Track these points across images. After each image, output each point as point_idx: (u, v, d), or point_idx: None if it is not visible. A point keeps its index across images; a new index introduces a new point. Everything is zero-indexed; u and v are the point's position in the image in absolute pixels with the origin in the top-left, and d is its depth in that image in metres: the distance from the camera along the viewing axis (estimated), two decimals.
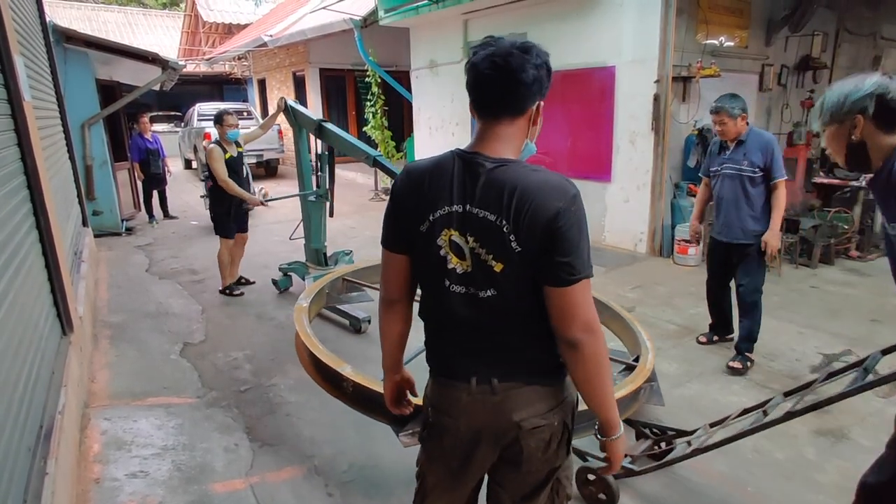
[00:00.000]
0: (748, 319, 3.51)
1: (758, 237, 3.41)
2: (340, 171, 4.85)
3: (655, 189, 5.88)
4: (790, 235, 5.43)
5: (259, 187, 5.71)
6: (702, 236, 4.20)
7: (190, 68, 16.65)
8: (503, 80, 1.19)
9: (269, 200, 5.15)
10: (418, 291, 1.42)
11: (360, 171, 11.57)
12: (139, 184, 8.63)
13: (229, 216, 4.95)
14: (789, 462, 2.60)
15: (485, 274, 1.22)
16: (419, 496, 1.50)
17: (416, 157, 8.97)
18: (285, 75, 14.48)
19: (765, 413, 2.13)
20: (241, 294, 5.09)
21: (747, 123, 3.44)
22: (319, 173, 4.80)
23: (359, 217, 8.27)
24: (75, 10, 19.88)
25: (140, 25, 21.13)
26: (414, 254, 1.33)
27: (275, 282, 5.19)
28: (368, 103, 10.31)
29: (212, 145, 4.77)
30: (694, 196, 5.12)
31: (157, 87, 8.90)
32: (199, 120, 12.52)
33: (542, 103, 1.26)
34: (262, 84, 16.31)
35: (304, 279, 4.80)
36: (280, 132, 12.46)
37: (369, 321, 4.15)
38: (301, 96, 13.37)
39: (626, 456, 2.40)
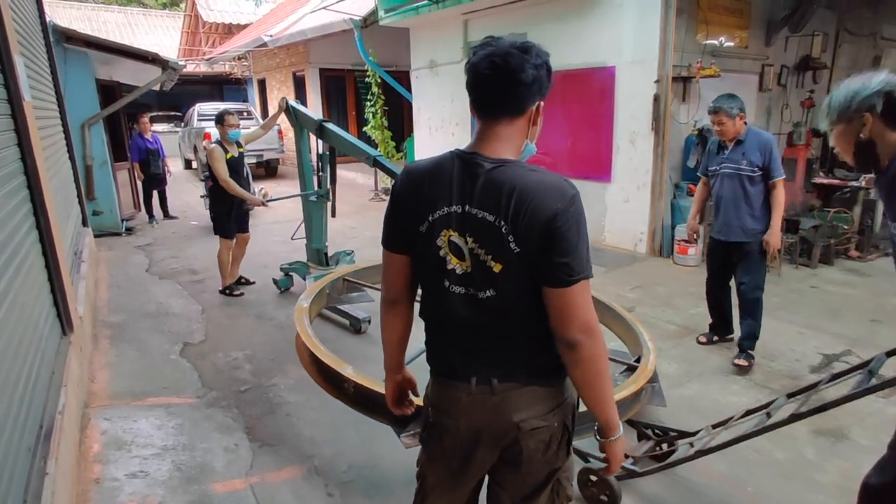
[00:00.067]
0: (750, 318, 3.52)
1: (757, 236, 3.43)
2: (341, 172, 4.85)
3: (655, 189, 5.88)
4: (790, 235, 5.43)
5: (259, 187, 5.71)
6: (700, 236, 4.20)
7: (190, 68, 16.65)
8: (502, 80, 1.19)
9: (270, 200, 5.16)
10: (419, 291, 1.42)
11: (361, 172, 11.57)
12: (139, 184, 8.63)
13: (229, 216, 4.96)
14: (789, 462, 2.60)
15: (484, 274, 1.22)
16: (419, 496, 1.50)
17: (416, 158, 8.97)
18: (285, 75, 14.48)
19: (768, 415, 2.12)
20: (241, 294, 5.09)
21: (745, 123, 3.45)
22: (320, 173, 4.81)
23: (359, 217, 8.27)
24: (75, 10, 19.88)
25: (140, 25, 21.13)
26: (414, 254, 1.33)
27: (275, 281, 5.19)
28: (368, 103, 10.32)
29: (213, 145, 4.78)
30: (693, 196, 5.12)
31: (157, 87, 8.90)
32: (199, 120, 12.53)
33: (542, 103, 1.26)
34: (262, 84, 16.31)
35: (304, 279, 4.80)
36: (280, 132, 12.46)
37: (369, 321, 4.15)
38: (301, 96, 13.37)
39: (627, 457, 2.40)
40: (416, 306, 1.44)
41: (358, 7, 9.69)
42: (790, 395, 2.19)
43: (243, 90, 19.23)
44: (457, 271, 1.26)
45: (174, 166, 12.42)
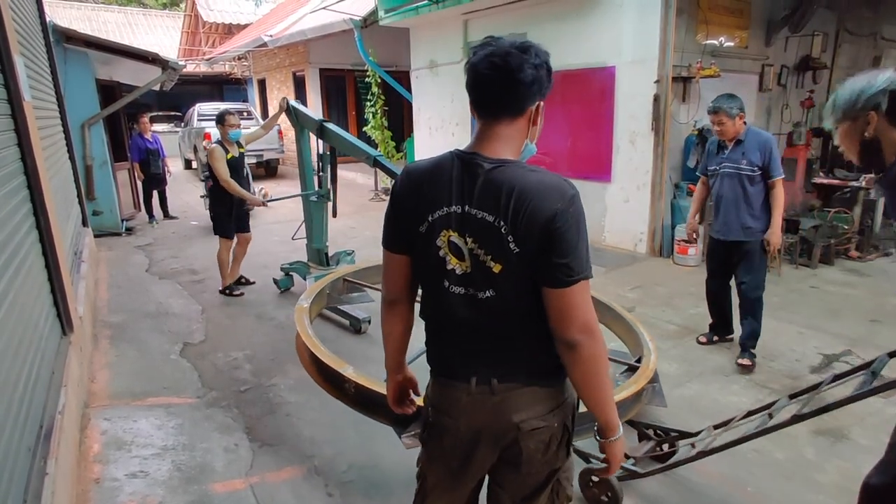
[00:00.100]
0: (751, 317, 3.54)
1: (757, 235, 3.45)
2: (341, 172, 4.85)
3: (655, 189, 5.88)
4: (790, 236, 5.43)
5: (259, 187, 5.72)
6: (700, 235, 4.21)
7: (190, 68, 16.65)
8: (501, 80, 1.19)
9: (271, 200, 5.16)
10: (420, 292, 1.42)
11: (361, 172, 11.58)
12: (139, 184, 8.63)
13: (229, 216, 4.96)
14: (789, 462, 2.60)
15: (484, 275, 1.22)
16: (419, 496, 1.50)
17: (416, 158, 8.98)
18: (285, 75, 14.48)
19: (770, 416, 2.12)
20: (241, 294, 5.09)
21: (745, 123, 3.46)
22: (321, 173, 4.81)
23: (359, 217, 8.27)
24: (75, 10, 19.88)
25: (140, 25, 21.13)
26: (414, 254, 1.33)
27: (276, 281, 5.19)
28: (368, 103, 10.32)
29: (213, 145, 4.78)
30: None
31: (157, 87, 8.90)
32: (199, 120, 12.53)
33: (542, 103, 1.26)
34: (262, 84, 16.31)
35: (305, 279, 4.81)
36: (280, 132, 12.46)
37: (369, 321, 4.15)
38: (301, 96, 13.37)
39: (629, 458, 2.40)
40: (417, 306, 1.44)
41: (358, 7, 9.69)
42: (792, 396, 2.18)
43: (243, 90, 19.23)
44: (456, 272, 1.26)
45: (174, 166, 12.42)
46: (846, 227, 5.82)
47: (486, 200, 1.19)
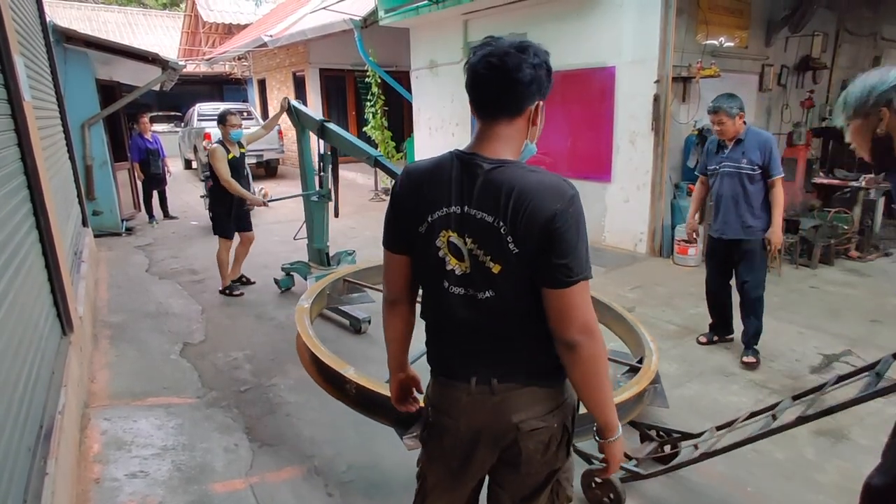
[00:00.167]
0: (753, 316, 3.58)
1: (757, 234, 3.47)
2: (341, 172, 4.85)
3: (655, 189, 5.88)
4: (790, 236, 5.43)
5: (259, 187, 5.72)
6: (700, 235, 4.21)
7: (190, 68, 16.65)
8: (499, 81, 1.19)
9: (272, 200, 5.16)
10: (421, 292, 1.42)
11: (361, 172, 11.58)
12: (139, 184, 8.63)
13: (229, 216, 4.96)
14: (789, 462, 2.60)
15: (483, 275, 1.22)
16: (419, 496, 1.50)
17: (416, 158, 8.98)
18: (285, 75, 14.48)
19: (774, 417, 2.11)
20: (241, 294, 5.09)
21: (745, 122, 3.47)
22: (322, 173, 4.82)
23: (359, 217, 8.27)
24: (75, 10, 19.88)
25: (140, 25, 21.13)
26: (414, 255, 1.33)
27: (276, 281, 5.19)
28: (368, 103, 10.32)
29: (215, 145, 4.78)
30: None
31: (157, 88, 8.89)
32: (199, 120, 12.53)
33: (541, 103, 1.25)
34: (262, 84, 16.31)
35: (306, 279, 4.81)
36: (280, 132, 12.47)
37: (369, 321, 4.15)
38: (301, 96, 13.37)
39: (631, 459, 2.40)
40: (419, 306, 1.44)
41: (358, 7, 9.69)
42: (796, 397, 2.17)
43: (243, 90, 19.23)
44: (456, 272, 1.26)
45: (174, 166, 12.42)
46: (846, 227, 5.82)
47: (486, 201, 1.19)
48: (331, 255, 5.08)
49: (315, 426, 2.94)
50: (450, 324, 1.32)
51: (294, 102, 4.87)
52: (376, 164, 4.19)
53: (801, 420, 1.90)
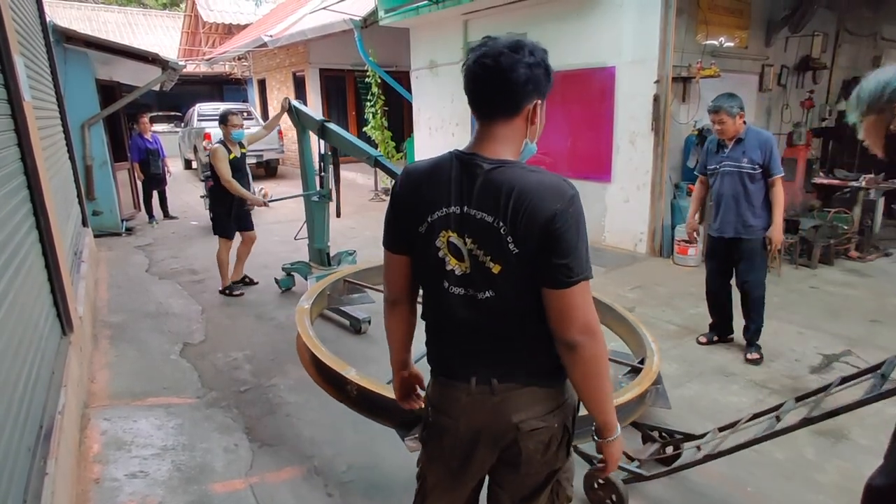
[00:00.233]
0: (755, 313, 3.62)
1: (757, 233, 3.50)
2: (341, 172, 4.86)
3: (655, 189, 5.88)
4: (790, 236, 5.43)
5: (259, 187, 5.72)
6: (700, 235, 4.22)
7: (190, 68, 16.65)
8: (495, 81, 1.19)
9: (272, 200, 5.17)
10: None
11: (361, 172, 11.58)
12: (139, 184, 8.63)
13: (229, 216, 4.96)
14: (789, 462, 2.60)
15: (483, 275, 1.22)
16: (419, 496, 1.50)
17: (416, 158, 8.98)
18: (285, 75, 14.48)
19: (777, 418, 2.10)
20: (241, 294, 5.09)
21: (745, 122, 3.48)
22: (322, 173, 4.82)
23: (359, 217, 8.27)
24: (75, 10, 19.88)
25: (140, 26, 21.13)
26: (414, 255, 1.33)
27: (277, 281, 5.20)
28: (368, 103, 10.32)
29: (216, 145, 4.79)
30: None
31: (157, 88, 8.90)
32: (199, 120, 12.53)
33: (540, 102, 1.25)
34: (262, 84, 16.31)
35: (307, 279, 4.81)
36: (280, 132, 12.46)
37: (369, 321, 4.15)
38: (301, 97, 13.37)
39: (634, 460, 2.39)
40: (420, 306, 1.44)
41: (358, 7, 9.68)
42: (799, 399, 2.16)
43: (243, 90, 19.23)
44: (456, 272, 1.26)
45: (174, 166, 12.42)
46: (846, 227, 5.83)
47: (486, 201, 1.19)
48: (331, 255, 5.08)
49: (315, 426, 2.94)
50: (450, 324, 1.32)
51: (295, 102, 4.88)
52: (376, 164, 4.19)
53: (806, 422, 1.88)
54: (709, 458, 2.14)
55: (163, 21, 22.24)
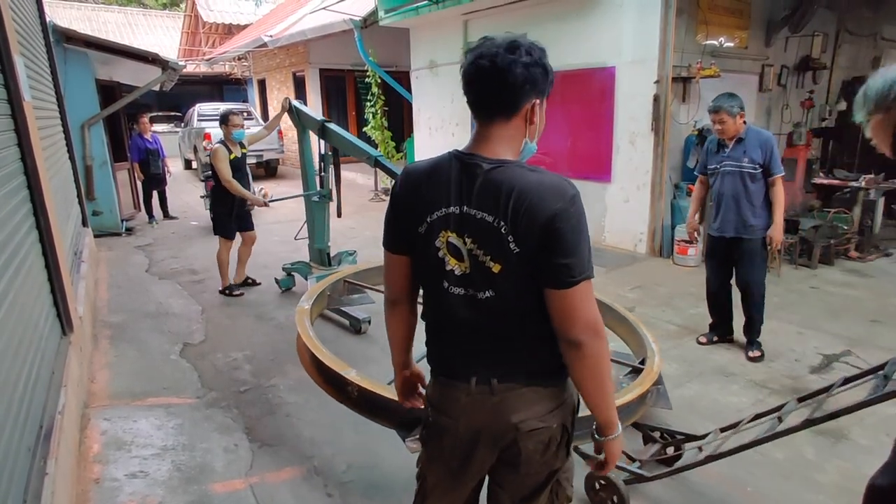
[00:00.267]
0: (755, 312, 3.64)
1: (757, 232, 3.51)
2: (342, 172, 4.86)
3: (655, 189, 5.88)
4: (790, 236, 5.42)
5: (259, 187, 5.72)
6: (700, 234, 4.23)
7: (190, 69, 16.65)
8: (492, 82, 1.19)
9: (273, 200, 5.17)
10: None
11: (361, 172, 11.58)
12: (139, 184, 8.63)
13: (230, 216, 4.97)
14: (789, 462, 2.60)
15: (483, 275, 1.22)
16: (419, 496, 1.50)
17: (417, 158, 8.98)
18: (285, 76, 14.48)
19: (779, 419, 2.10)
20: (241, 294, 5.09)
21: (745, 122, 3.48)
22: (323, 173, 4.82)
23: (359, 217, 8.27)
24: (75, 10, 19.88)
25: (140, 26, 21.13)
26: (414, 255, 1.33)
27: (277, 281, 5.20)
28: (368, 104, 10.32)
29: (217, 145, 4.79)
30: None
31: (157, 88, 8.90)
32: (199, 120, 12.53)
33: (538, 101, 1.24)
34: (262, 84, 16.31)
35: (307, 279, 4.81)
36: (280, 133, 12.46)
37: (369, 321, 4.15)
38: (301, 97, 13.36)
39: (635, 461, 2.39)
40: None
41: (358, 7, 9.68)
42: (801, 399, 2.15)
43: (243, 90, 19.23)
44: (455, 272, 1.26)
45: (174, 166, 12.42)
46: (846, 227, 5.83)
47: (486, 200, 1.19)
48: (332, 255, 5.08)
49: (315, 426, 2.94)
50: (450, 324, 1.32)
51: (295, 103, 4.88)
52: (376, 164, 4.19)
53: (809, 423, 1.87)
54: (710, 458, 2.14)
55: (163, 21, 22.24)
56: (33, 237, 2.85)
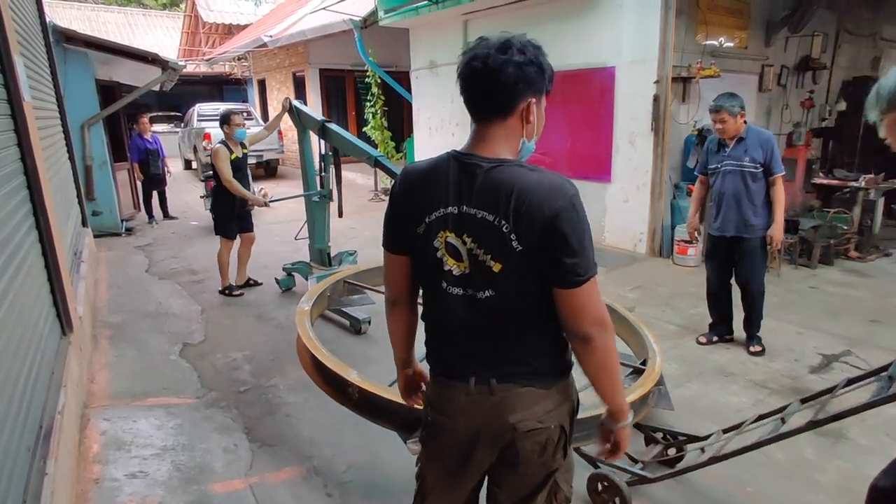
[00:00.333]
0: (755, 308, 3.68)
1: (758, 232, 3.52)
2: (342, 172, 4.87)
3: (655, 189, 5.88)
4: (790, 236, 5.42)
5: (259, 188, 5.72)
6: (701, 234, 4.24)
7: (190, 69, 16.64)
8: (485, 83, 1.19)
9: (273, 201, 5.17)
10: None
11: (361, 172, 11.58)
12: (139, 184, 8.63)
13: (231, 217, 4.97)
14: (789, 462, 2.60)
15: (483, 275, 1.23)
16: (419, 496, 1.50)
17: (416, 158, 8.98)
18: (285, 76, 14.48)
19: (782, 420, 2.10)
20: (241, 294, 5.09)
21: (745, 121, 3.48)
22: (323, 174, 4.82)
23: (359, 217, 8.27)
24: (75, 10, 19.88)
25: (140, 26, 21.13)
26: (413, 255, 1.33)
27: (278, 281, 5.20)
28: (368, 104, 10.32)
29: (218, 145, 4.79)
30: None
31: (156, 88, 8.89)
32: (198, 120, 12.52)
33: (534, 100, 1.23)
34: (262, 84, 16.31)
35: (307, 279, 4.81)
36: (280, 133, 12.46)
37: (369, 322, 4.15)
38: (301, 97, 13.36)
39: (637, 462, 2.39)
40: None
41: (358, 7, 9.69)
42: (804, 400, 2.15)
43: (243, 90, 19.23)
44: (454, 272, 1.26)
45: (174, 166, 12.41)
46: (846, 227, 5.83)
47: (486, 200, 1.19)
48: (332, 255, 5.08)
49: (314, 427, 2.94)
50: (449, 324, 1.32)
51: (295, 103, 4.89)
52: (376, 164, 4.19)
53: (813, 424, 1.87)
54: (714, 460, 2.13)
55: (163, 21, 22.24)
56: (33, 237, 2.85)
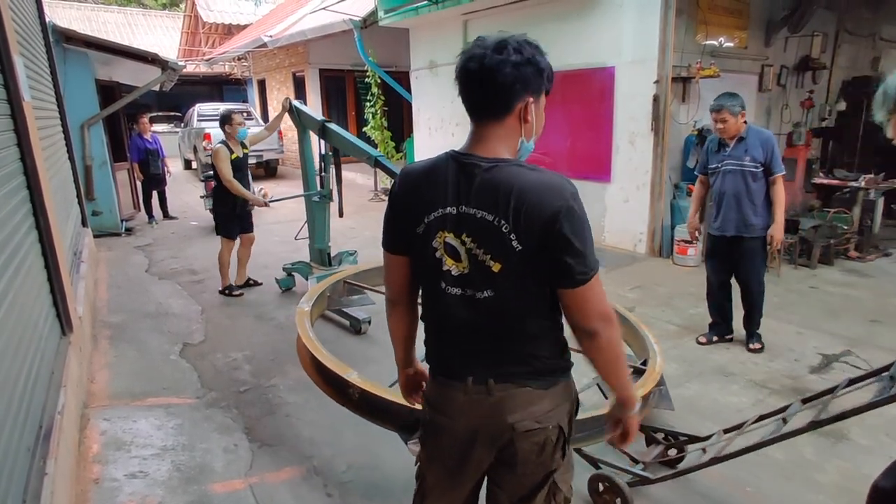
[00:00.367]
0: (755, 307, 3.70)
1: (758, 231, 3.53)
2: (342, 172, 4.87)
3: (655, 189, 5.88)
4: (790, 236, 5.42)
5: (259, 188, 5.72)
6: (701, 233, 4.24)
7: (190, 69, 16.64)
8: (482, 84, 1.20)
9: (273, 201, 5.17)
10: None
11: (360, 172, 11.58)
12: (139, 184, 8.63)
13: (232, 217, 4.96)
14: (789, 462, 2.60)
15: (482, 275, 1.23)
16: (419, 496, 1.50)
17: (416, 158, 8.98)
18: (285, 76, 14.48)
19: (784, 421, 2.09)
20: (241, 294, 5.09)
21: (745, 121, 3.49)
22: (323, 174, 4.82)
23: (359, 217, 8.27)
24: (75, 10, 19.88)
25: (140, 26, 21.13)
26: (412, 255, 1.34)
27: (278, 281, 5.20)
28: (368, 104, 10.32)
29: (218, 145, 4.79)
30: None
31: (156, 88, 8.90)
32: (198, 120, 12.52)
33: (532, 100, 1.23)
34: (261, 84, 16.31)
35: (307, 279, 4.81)
36: (280, 133, 12.46)
37: (369, 322, 4.15)
38: (301, 97, 13.35)
39: (638, 462, 2.38)
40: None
41: (358, 7, 9.68)
42: (805, 401, 2.15)
43: (243, 91, 19.23)
44: (453, 272, 1.26)
45: (174, 167, 12.41)
46: (846, 227, 5.83)
47: (485, 199, 1.19)
48: (332, 255, 5.08)
49: (314, 427, 2.94)
50: (448, 324, 1.32)
51: (296, 103, 4.89)
52: (376, 164, 4.19)
53: (814, 424, 1.87)
54: (715, 460, 2.13)
55: (162, 21, 22.24)
56: (33, 237, 2.85)
